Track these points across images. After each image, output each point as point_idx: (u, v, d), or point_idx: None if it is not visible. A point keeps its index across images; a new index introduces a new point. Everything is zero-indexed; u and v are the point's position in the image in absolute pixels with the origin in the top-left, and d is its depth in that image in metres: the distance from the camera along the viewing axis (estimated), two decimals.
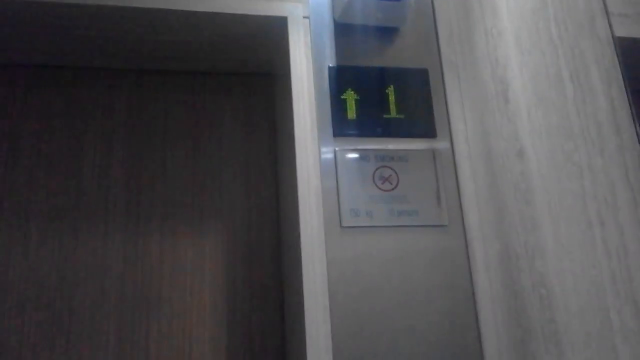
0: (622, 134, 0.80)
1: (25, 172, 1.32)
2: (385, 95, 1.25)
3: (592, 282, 0.86)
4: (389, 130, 1.23)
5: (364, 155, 1.20)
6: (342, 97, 1.22)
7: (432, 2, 1.33)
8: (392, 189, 1.19)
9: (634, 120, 0.79)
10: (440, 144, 1.24)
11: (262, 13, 1.24)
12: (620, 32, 0.84)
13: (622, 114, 0.80)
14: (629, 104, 0.79)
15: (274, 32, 1.30)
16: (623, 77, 0.80)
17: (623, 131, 0.80)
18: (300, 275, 1.11)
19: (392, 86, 1.25)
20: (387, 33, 1.29)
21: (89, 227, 1.31)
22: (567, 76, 0.90)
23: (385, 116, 1.24)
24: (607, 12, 0.83)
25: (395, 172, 1.20)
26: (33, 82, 1.39)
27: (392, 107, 1.24)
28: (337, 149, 1.19)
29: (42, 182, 1.32)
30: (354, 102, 1.23)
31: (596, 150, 0.85)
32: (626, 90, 0.80)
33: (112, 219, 1.33)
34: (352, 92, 1.23)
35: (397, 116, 1.24)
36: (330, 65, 1.24)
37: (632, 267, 0.79)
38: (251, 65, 1.46)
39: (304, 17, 1.26)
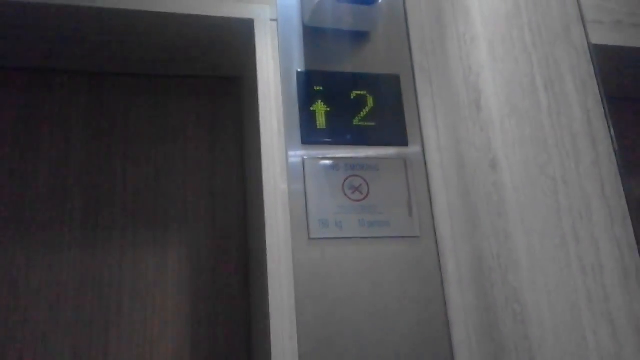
0: (598, 147, 0.77)
1: None
2: (356, 102, 1.21)
3: (567, 300, 0.83)
4: (359, 137, 1.19)
5: (334, 164, 1.16)
6: (311, 107, 1.18)
7: (404, 7, 1.29)
8: (363, 199, 1.15)
9: (610, 133, 0.76)
10: (412, 152, 1.20)
11: (228, 15, 1.19)
12: (595, 39, 0.81)
13: (598, 125, 0.77)
14: (605, 116, 0.76)
15: (240, 35, 1.25)
16: (599, 87, 0.77)
17: (599, 144, 0.77)
18: (267, 289, 1.06)
19: (362, 92, 1.21)
20: (357, 38, 1.25)
21: (43, 239, 1.24)
22: (541, 85, 0.87)
23: (355, 123, 1.19)
24: (583, 20, 0.80)
25: (366, 182, 1.16)
26: None
27: (363, 113, 1.20)
28: (305, 157, 1.15)
29: None
30: (323, 108, 1.18)
31: (571, 163, 0.81)
32: (602, 101, 0.77)
33: (68, 229, 1.26)
34: (322, 98, 1.19)
35: (367, 123, 1.20)
36: (299, 70, 1.20)
37: (608, 285, 0.76)
38: (217, 68, 1.41)
39: (272, 20, 1.21)
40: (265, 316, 1.07)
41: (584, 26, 0.81)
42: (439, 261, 1.13)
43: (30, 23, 1.17)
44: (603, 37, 0.82)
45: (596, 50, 0.80)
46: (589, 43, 0.81)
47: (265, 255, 1.07)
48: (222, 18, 1.18)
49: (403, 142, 1.21)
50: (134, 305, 1.25)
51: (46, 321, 1.20)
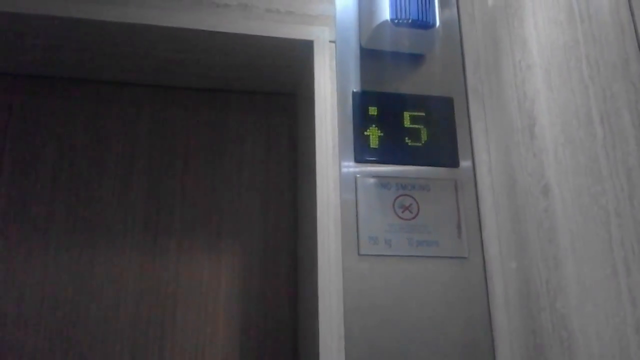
0: None
1: (47, 185, 1.33)
2: (409, 123, 1.24)
3: (616, 330, 0.84)
4: (411, 157, 1.22)
5: (385, 183, 1.19)
6: (364, 127, 1.21)
7: (460, 31, 1.32)
8: (412, 218, 1.18)
9: None
10: (463, 174, 1.22)
11: (289, 36, 1.24)
12: None
13: None
14: None
15: (299, 55, 1.30)
16: None
17: None
18: (316, 302, 1.10)
19: (416, 113, 1.24)
20: (413, 60, 1.28)
21: (107, 242, 1.32)
22: (597, 118, 0.88)
23: (408, 143, 1.22)
24: None
25: (416, 201, 1.19)
26: (57, 95, 1.40)
27: (416, 134, 1.23)
28: (358, 174, 1.19)
29: (63, 196, 1.33)
30: (376, 128, 1.22)
31: (625, 196, 0.83)
32: None
33: (130, 235, 1.33)
34: (376, 118, 1.22)
35: (420, 144, 1.23)
36: (355, 90, 1.24)
37: None
38: (275, 85, 1.46)
39: (330, 42, 1.26)
40: (314, 329, 1.10)
41: None
42: (486, 283, 1.15)
43: (107, 40, 1.25)
44: None
45: None
46: None
47: (316, 269, 1.11)
48: (284, 39, 1.23)
49: (454, 163, 1.23)
50: (188, 310, 1.30)
51: (106, 321, 1.27)
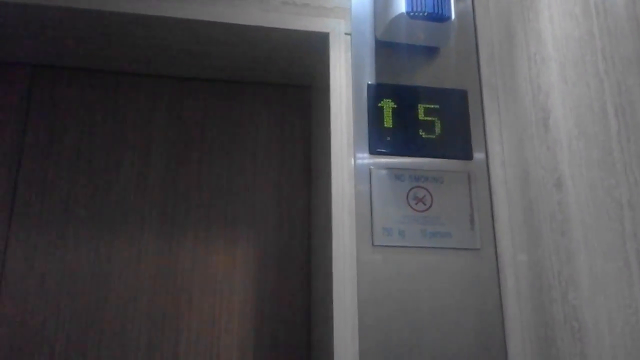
0: None
1: (66, 174, 1.36)
2: (423, 115, 1.25)
3: (627, 322, 0.85)
4: (425, 150, 1.23)
5: (399, 174, 1.20)
6: (379, 121, 1.22)
7: (475, 24, 1.32)
8: (426, 210, 1.19)
9: None
10: (476, 166, 1.23)
11: (305, 28, 1.25)
12: None
13: None
14: None
15: (315, 47, 1.31)
16: None
17: None
18: (331, 292, 1.11)
19: (430, 106, 1.25)
20: (428, 53, 1.29)
21: (125, 230, 1.34)
22: (612, 111, 0.89)
23: (422, 136, 1.24)
24: None
25: (430, 193, 1.20)
26: (76, 85, 1.42)
27: (430, 127, 1.24)
28: (372, 166, 1.20)
29: (81, 186, 1.35)
30: (391, 120, 1.23)
31: (638, 189, 0.83)
32: None
33: (147, 224, 1.35)
34: (390, 110, 1.24)
35: (434, 136, 1.24)
36: (370, 82, 1.25)
37: None
38: (290, 77, 1.48)
39: (346, 34, 1.27)
40: (329, 317, 1.12)
41: None
42: (498, 274, 1.16)
43: (124, 32, 1.27)
44: None
45: None
46: None
47: (331, 259, 1.13)
48: (300, 31, 1.25)
49: (468, 155, 1.24)
50: (204, 299, 1.33)
51: (124, 310, 1.29)
